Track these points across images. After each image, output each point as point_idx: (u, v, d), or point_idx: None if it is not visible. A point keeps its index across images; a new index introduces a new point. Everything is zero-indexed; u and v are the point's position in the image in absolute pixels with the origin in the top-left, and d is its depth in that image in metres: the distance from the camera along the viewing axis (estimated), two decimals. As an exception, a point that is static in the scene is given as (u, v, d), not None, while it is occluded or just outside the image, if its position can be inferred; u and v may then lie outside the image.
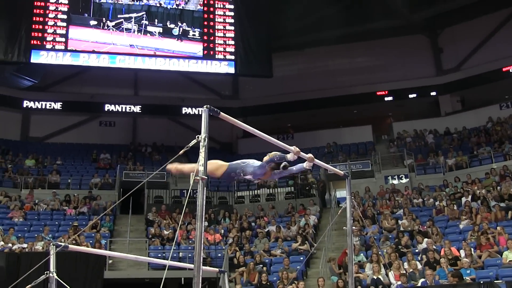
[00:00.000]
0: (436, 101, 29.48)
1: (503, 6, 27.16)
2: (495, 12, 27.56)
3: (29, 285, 6.67)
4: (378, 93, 29.55)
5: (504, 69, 26.78)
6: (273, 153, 6.10)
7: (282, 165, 6.19)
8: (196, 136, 4.96)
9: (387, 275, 14.46)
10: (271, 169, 6.20)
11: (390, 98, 29.58)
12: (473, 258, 14.42)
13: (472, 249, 14.81)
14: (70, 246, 7.12)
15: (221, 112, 5.20)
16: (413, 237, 16.80)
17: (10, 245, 17.18)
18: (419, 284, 13.63)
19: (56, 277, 6.51)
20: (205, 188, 4.82)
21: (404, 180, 23.57)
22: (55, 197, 22.09)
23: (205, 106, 4.99)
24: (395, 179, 23.84)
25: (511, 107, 26.17)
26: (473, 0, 26.29)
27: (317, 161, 6.78)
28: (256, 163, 6.28)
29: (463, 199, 18.86)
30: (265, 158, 6.17)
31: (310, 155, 6.39)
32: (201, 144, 4.88)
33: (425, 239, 15.89)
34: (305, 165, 6.48)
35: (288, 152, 6.14)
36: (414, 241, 16.53)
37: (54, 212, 21.15)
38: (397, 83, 29.13)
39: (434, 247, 15.19)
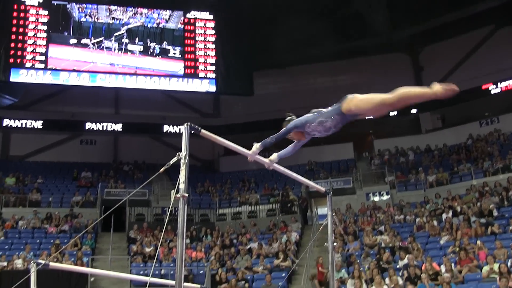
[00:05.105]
0: (416, 118, 29.73)
1: (482, 25, 27.65)
2: (475, 31, 27.99)
3: (10, 304, 6.62)
4: (359, 110, 29.66)
5: (483, 87, 27.11)
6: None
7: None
8: (177, 154, 4.98)
9: (368, 291, 14.53)
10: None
11: (371, 116, 29.68)
12: (454, 273, 14.52)
13: (453, 264, 14.93)
14: (51, 264, 7.08)
15: (202, 130, 5.23)
16: (394, 253, 16.88)
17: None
18: (401, 300, 13.70)
19: (37, 295, 6.49)
20: (186, 205, 4.82)
21: (385, 197, 23.70)
22: (36, 215, 21.89)
23: (186, 124, 5.02)
24: (376, 196, 23.95)
25: (491, 124, 26.54)
26: (453, 19, 26.63)
27: (279, 167, 6.26)
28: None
29: (444, 215, 19.01)
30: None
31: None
32: (181, 161, 4.90)
33: (407, 255, 15.98)
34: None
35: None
36: (396, 257, 16.62)
37: (35, 230, 20.98)
38: (377, 100, 29.28)
39: (415, 262, 15.29)
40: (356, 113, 5.55)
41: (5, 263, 16.97)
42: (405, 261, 15.70)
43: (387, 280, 14.92)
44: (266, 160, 6.00)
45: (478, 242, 15.90)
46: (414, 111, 29.39)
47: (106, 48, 25.24)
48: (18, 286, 7.03)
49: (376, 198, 23.68)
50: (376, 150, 28.52)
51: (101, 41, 25.20)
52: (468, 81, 27.27)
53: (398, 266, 15.89)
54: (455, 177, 23.22)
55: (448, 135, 27.46)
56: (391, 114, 29.38)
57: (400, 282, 14.63)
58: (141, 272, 17.37)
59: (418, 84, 29.16)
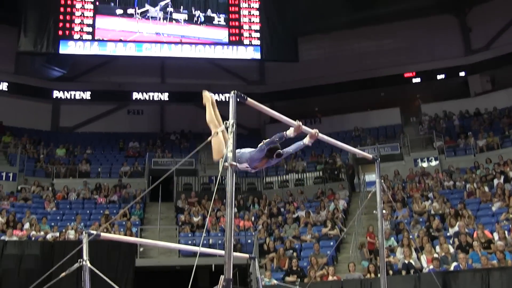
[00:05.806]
0: (465, 81, 28.93)
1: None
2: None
3: (64, 273, 6.74)
4: (406, 75, 29.13)
5: (536, 47, 26.10)
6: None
7: (276, 153, 5.69)
8: (224, 122, 4.94)
9: (418, 259, 14.32)
10: (266, 157, 5.74)
11: (418, 80, 29.13)
12: (508, 241, 14.18)
13: (506, 231, 14.56)
14: (102, 234, 7.18)
15: (248, 98, 5.16)
16: (444, 220, 16.59)
17: (43, 233, 17.47)
18: (452, 268, 13.45)
19: (89, 265, 6.58)
20: (234, 174, 4.79)
21: (433, 163, 23.25)
22: (86, 186, 22.35)
23: (232, 92, 4.97)
24: (424, 161, 23.55)
25: (544, 85, 25.55)
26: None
27: (323, 137, 6.46)
28: (253, 149, 5.84)
29: (495, 181, 18.55)
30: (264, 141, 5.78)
31: (314, 130, 6.04)
32: (229, 130, 4.87)
33: (458, 223, 15.68)
34: (306, 141, 6.07)
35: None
36: (445, 225, 16.33)
37: (85, 201, 21.43)
38: (425, 64, 28.65)
39: (466, 230, 14.99)
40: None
41: (57, 234, 17.37)
42: (456, 228, 15.42)
43: (437, 248, 14.70)
44: (311, 131, 6.05)
45: (533, 208, 15.49)
46: (462, 73, 28.63)
47: (151, 17, 25.31)
48: (71, 256, 7.15)
49: (425, 164, 23.28)
50: (424, 115, 27.95)
51: (146, 10, 25.27)
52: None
53: (448, 234, 15.62)
54: (507, 141, 22.57)
55: (498, 97, 26.56)
56: (439, 77, 28.73)
57: (451, 250, 14.39)
58: (189, 242, 17.55)
59: (466, 46, 28.39)
